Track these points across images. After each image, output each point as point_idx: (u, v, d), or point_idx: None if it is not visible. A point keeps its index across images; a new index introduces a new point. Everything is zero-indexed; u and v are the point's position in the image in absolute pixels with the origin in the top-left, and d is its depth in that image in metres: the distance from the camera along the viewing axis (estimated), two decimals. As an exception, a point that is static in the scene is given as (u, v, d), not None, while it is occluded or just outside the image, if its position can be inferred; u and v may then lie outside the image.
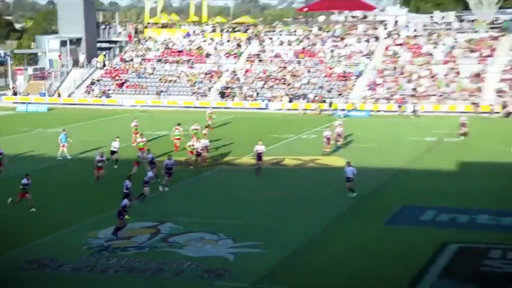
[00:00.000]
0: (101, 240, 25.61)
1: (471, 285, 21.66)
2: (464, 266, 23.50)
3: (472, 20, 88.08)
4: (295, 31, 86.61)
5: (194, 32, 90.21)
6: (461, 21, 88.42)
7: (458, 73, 71.23)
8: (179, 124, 46.87)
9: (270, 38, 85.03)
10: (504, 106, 63.59)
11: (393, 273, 22.40)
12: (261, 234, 26.10)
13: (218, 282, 21.30)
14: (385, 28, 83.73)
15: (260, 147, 38.41)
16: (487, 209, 30.12)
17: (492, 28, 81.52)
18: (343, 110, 65.83)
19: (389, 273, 22.56)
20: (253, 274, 21.93)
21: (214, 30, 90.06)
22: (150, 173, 32.41)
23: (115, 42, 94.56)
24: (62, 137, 43.18)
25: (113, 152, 38.97)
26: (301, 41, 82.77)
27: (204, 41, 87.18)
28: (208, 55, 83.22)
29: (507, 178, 38.47)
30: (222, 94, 74.39)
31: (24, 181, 30.24)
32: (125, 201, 26.25)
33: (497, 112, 62.84)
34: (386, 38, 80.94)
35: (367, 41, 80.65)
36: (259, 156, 37.98)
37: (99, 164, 35.60)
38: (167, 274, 22.02)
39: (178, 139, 45.50)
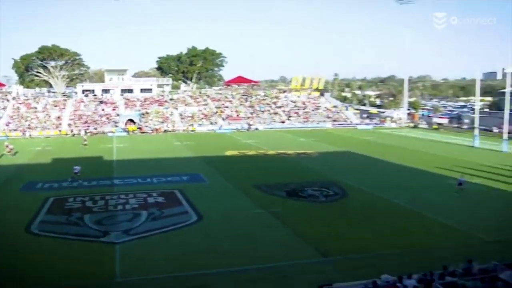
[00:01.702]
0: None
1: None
2: (56, 208, 21.86)
3: (48, 92, 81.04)
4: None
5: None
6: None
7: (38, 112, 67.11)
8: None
9: None
10: (72, 131, 60.61)
11: (24, 213, 21.00)
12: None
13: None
14: (12, 95, 74.58)
15: None
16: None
17: (63, 95, 77.88)
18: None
19: (23, 214, 20.83)
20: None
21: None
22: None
23: None
24: None
25: None
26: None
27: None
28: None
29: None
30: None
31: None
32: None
33: (68, 134, 59.47)
34: (13, 99, 72.24)
35: (3, 101, 71.12)
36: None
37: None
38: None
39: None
